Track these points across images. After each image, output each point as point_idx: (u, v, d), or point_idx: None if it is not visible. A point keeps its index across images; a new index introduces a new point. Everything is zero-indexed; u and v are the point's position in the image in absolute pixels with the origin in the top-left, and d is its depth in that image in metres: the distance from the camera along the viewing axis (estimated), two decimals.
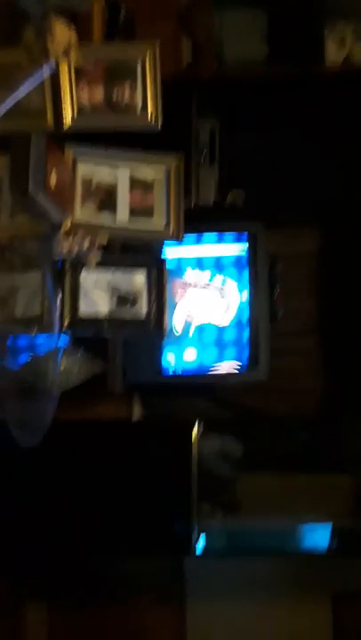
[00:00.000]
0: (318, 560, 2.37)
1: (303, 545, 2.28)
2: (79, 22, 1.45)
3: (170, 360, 2.24)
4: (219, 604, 2.47)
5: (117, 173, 1.56)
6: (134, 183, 1.58)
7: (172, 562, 2.46)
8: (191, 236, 2.14)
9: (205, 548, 2.15)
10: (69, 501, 2.08)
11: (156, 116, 1.51)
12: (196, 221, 2.10)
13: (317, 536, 2.27)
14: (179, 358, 2.24)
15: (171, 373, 2.23)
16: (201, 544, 2.12)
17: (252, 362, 2.23)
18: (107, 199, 1.56)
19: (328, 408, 2.47)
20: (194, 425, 2.14)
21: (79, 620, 2.47)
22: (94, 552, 2.17)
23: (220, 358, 2.25)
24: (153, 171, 1.59)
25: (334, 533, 2.23)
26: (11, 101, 1.35)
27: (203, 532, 2.13)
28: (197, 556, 2.19)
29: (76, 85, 1.44)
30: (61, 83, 1.42)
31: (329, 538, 2.24)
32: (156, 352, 2.18)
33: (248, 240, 2.22)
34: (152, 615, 2.46)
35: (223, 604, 2.47)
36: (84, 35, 1.48)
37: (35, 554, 2.17)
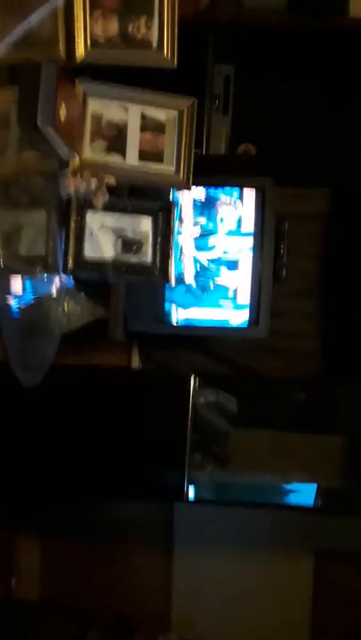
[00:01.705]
0: (304, 516, 2.41)
1: (290, 500, 2.33)
2: None
3: (172, 310, 2.23)
4: (205, 552, 2.53)
5: (129, 112, 1.51)
6: (145, 124, 1.54)
7: (162, 508, 2.51)
8: None
9: (195, 497, 2.19)
10: (66, 442, 2.12)
11: (172, 54, 1.46)
12: (205, 171, 2.08)
13: (304, 493, 2.31)
14: (181, 308, 2.24)
15: (172, 323, 2.23)
16: (191, 492, 2.16)
17: (253, 319, 2.22)
18: (117, 139, 1.52)
19: (325, 371, 2.47)
20: (191, 377, 2.15)
21: (70, 553, 2.55)
22: (88, 492, 2.21)
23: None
24: (165, 113, 1.55)
25: (321, 492, 2.27)
26: (22, 29, 1.30)
27: (193, 480, 2.16)
28: (187, 504, 2.24)
29: (91, 16, 1.39)
30: (75, 12, 1.36)
31: (315, 495, 2.28)
32: (159, 301, 2.17)
33: (257, 196, 2.19)
34: (140, 558, 2.53)
35: (209, 551, 2.53)
36: None
37: (31, 489, 2.21)
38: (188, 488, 2.14)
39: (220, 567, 2.53)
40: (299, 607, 2.50)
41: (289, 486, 2.30)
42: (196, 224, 2.19)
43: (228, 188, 2.18)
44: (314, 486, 2.29)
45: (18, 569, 2.55)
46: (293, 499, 2.32)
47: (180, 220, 2.15)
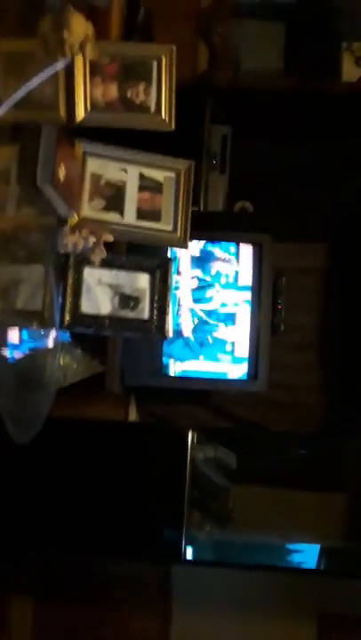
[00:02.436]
0: (306, 578, 2.34)
1: (291, 562, 2.26)
2: (97, 18, 1.45)
3: (170, 363, 2.23)
4: (204, 614, 2.44)
5: (127, 173, 1.55)
6: (144, 184, 1.57)
7: (160, 568, 2.44)
8: None
9: (194, 557, 2.12)
10: (60, 499, 2.07)
11: (170, 118, 1.51)
12: (203, 227, 2.11)
13: (307, 554, 2.24)
14: (178, 362, 2.23)
15: (170, 376, 2.22)
16: (190, 552, 2.09)
17: (252, 373, 2.22)
18: (115, 197, 1.55)
19: (326, 425, 2.44)
20: (189, 432, 2.12)
21: (64, 618, 2.45)
22: (83, 551, 2.15)
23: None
24: (163, 174, 1.58)
25: (324, 553, 2.21)
26: (23, 91, 1.35)
27: (192, 540, 2.10)
28: (185, 564, 2.17)
29: (91, 80, 1.43)
30: (76, 76, 1.41)
31: (318, 556, 2.22)
32: (156, 354, 2.17)
33: (254, 251, 2.22)
34: (137, 620, 2.44)
35: (209, 613, 2.44)
36: (101, 31, 1.48)
37: (24, 550, 2.15)
38: (185, 548, 2.07)
39: (220, 629, 2.44)
40: None
41: (290, 547, 2.24)
42: (193, 277, 2.21)
43: (224, 244, 2.21)
44: (316, 547, 2.23)
45: (9, 630, 2.45)
46: (295, 560, 2.26)
47: (178, 272, 2.18)
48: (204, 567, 2.34)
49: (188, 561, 2.11)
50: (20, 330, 1.65)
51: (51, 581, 2.44)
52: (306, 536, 2.22)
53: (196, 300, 2.22)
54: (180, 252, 2.09)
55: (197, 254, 2.21)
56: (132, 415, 2.34)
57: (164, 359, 2.21)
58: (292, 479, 2.26)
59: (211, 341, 2.23)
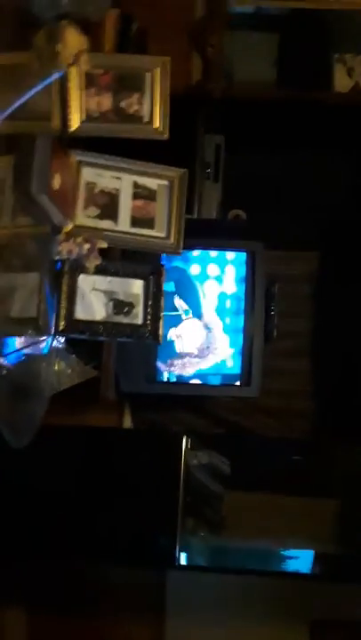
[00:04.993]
0: (299, 584, 2.35)
1: (285, 567, 2.27)
2: (91, 31, 1.48)
3: (164, 370, 2.24)
4: (197, 619, 2.45)
5: (121, 181, 1.57)
6: (138, 192, 1.60)
7: (154, 574, 2.44)
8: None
9: (188, 563, 2.13)
10: (54, 506, 2.07)
11: (164, 127, 1.54)
12: (197, 235, 2.14)
13: (300, 559, 2.25)
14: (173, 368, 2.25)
15: (164, 381, 2.24)
16: (183, 558, 2.10)
17: (245, 379, 2.23)
18: (109, 206, 1.58)
19: (319, 432, 2.46)
20: (184, 438, 2.13)
21: (58, 627, 2.45)
22: (76, 559, 2.15)
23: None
24: (157, 182, 1.61)
25: (317, 558, 2.22)
26: (18, 102, 1.37)
27: (186, 546, 2.11)
28: (179, 570, 2.18)
29: (85, 91, 1.46)
30: (70, 87, 1.44)
31: (311, 562, 2.23)
32: (151, 361, 2.19)
33: (247, 259, 2.24)
34: (131, 627, 2.44)
35: (202, 619, 2.45)
36: (95, 44, 1.51)
37: (17, 558, 2.15)
38: (179, 554, 2.08)
39: (213, 634, 2.44)
40: None
41: (284, 552, 2.25)
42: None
43: (218, 257, 2.23)
44: (309, 552, 2.24)
45: None
46: (288, 565, 2.26)
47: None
48: (198, 573, 2.34)
49: (182, 566, 2.12)
50: (15, 337, 1.67)
51: (44, 590, 2.44)
52: (299, 542, 2.23)
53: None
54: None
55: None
56: (127, 422, 2.35)
57: (158, 364, 2.23)
58: (286, 485, 2.27)
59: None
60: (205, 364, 2.25)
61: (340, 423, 2.41)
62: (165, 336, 2.09)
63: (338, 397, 2.46)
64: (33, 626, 2.45)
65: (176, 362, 2.23)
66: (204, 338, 2.25)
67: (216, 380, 2.28)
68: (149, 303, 1.58)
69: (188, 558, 2.14)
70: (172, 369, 2.24)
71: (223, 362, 2.26)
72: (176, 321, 2.22)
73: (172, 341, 2.21)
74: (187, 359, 2.24)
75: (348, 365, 2.45)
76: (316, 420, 2.48)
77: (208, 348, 2.25)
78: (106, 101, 1.48)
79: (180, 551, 2.08)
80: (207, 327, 2.25)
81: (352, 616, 2.40)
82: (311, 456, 2.33)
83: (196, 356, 2.25)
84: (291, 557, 2.25)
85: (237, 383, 2.27)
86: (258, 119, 2.36)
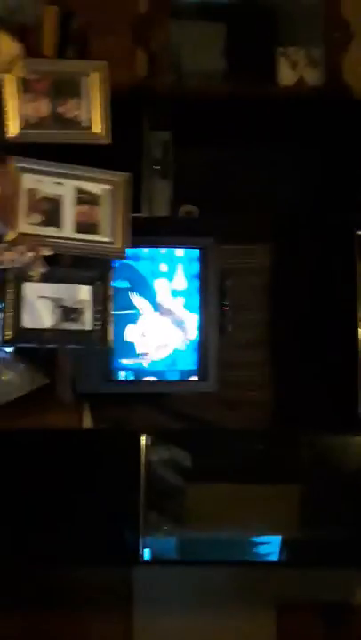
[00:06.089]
0: (264, 570, 2.40)
1: (250, 556, 2.31)
2: (27, 35, 1.45)
3: (120, 368, 2.25)
4: (165, 611, 2.48)
5: (63, 187, 1.56)
6: (81, 198, 1.59)
7: (120, 570, 2.46)
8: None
9: (153, 557, 2.16)
10: (17, 508, 2.07)
11: (106, 131, 1.53)
12: (148, 233, 2.13)
13: (266, 546, 2.29)
14: (129, 366, 2.26)
15: (120, 380, 2.24)
16: (148, 553, 2.13)
17: (202, 374, 2.25)
18: (52, 212, 1.56)
19: (279, 419, 2.50)
20: (143, 434, 2.15)
21: (25, 623, 2.45)
22: (41, 560, 2.16)
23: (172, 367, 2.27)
24: (100, 187, 1.60)
25: (281, 544, 2.26)
26: None
27: (150, 540, 2.13)
28: (145, 565, 2.20)
29: (22, 97, 1.44)
30: (6, 94, 1.42)
31: (275, 549, 2.27)
32: (106, 360, 2.19)
33: (199, 255, 2.25)
34: (99, 623, 2.46)
35: (170, 610, 2.48)
36: (33, 46, 1.49)
37: None
38: (143, 549, 2.11)
39: (182, 626, 2.48)
40: None
41: (248, 541, 2.29)
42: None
43: (168, 254, 2.23)
44: (274, 539, 2.29)
45: None
46: (253, 553, 2.31)
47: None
48: (163, 567, 2.37)
49: (147, 562, 2.14)
50: None
51: (9, 590, 2.44)
52: (263, 529, 2.27)
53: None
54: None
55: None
56: (87, 421, 2.35)
57: (114, 363, 2.23)
58: (248, 474, 2.31)
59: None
60: (162, 358, 2.26)
61: (298, 411, 2.46)
62: (123, 335, 2.09)
63: (295, 386, 2.50)
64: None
65: (135, 359, 2.24)
66: (162, 334, 2.26)
67: (173, 377, 2.29)
68: (98, 308, 1.57)
69: (153, 553, 2.17)
70: (131, 365, 2.24)
71: (180, 357, 2.28)
72: (134, 318, 2.22)
73: (129, 340, 2.22)
74: (146, 355, 2.25)
75: (304, 354, 2.49)
76: (276, 410, 2.52)
77: (165, 344, 2.26)
78: (43, 107, 1.46)
79: (143, 547, 2.10)
80: (164, 323, 2.26)
81: (317, 599, 2.47)
82: (272, 445, 2.36)
83: (154, 352, 2.26)
84: (255, 545, 2.29)
85: (194, 378, 2.28)
86: (205, 114, 2.36)
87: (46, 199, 1.55)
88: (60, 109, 1.46)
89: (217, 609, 2.47)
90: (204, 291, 2.25)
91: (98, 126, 1.48)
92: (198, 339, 2.27)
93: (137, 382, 2.25)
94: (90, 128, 1.49)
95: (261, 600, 2.47)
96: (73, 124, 1.48)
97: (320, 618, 2.47)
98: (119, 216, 1.58)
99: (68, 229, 1.55)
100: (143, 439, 2.15)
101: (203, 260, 2.25)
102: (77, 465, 2.15)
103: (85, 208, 1.57)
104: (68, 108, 1.45)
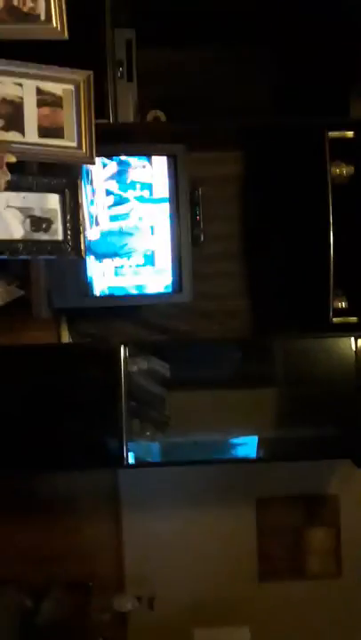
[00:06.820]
0: (244, 467, 2.52)
1: (230, 454, 2.41)
2: None
3: (96, 281, 2.24)
4: (152, 512, 2.61)
5: (23, 88, 1.48)
6: (42, 100, 1.51)
7: (107, 475, 2.56)
8: None
9: (136, 461, 2.25)
10: (4, 422, 2.11)
11: (62, 26, 1.44)
12: (115, 140, 2.06)
13: (243, 446, 2.39)
14: (105, 279, 2.25)
15: (96, 295, 2.24)
16: (132, 457, 2.21)
17: (177, 285, 2.26)
18: (14, 116, 1.49)
19: (254, 327, 2.55)
20: (121, 346, 2.18)
21: (18, 529, 2.55)
22: (30, 467, 2.23)
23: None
24: (61, 87, 1.52)
25: (259, 443, 2.36)
26: None
27: (134, 445, 2.21)
28: (129, 468, 2.29)
29: None
30: None
31: (254, 447, 2.37)
32: (81, 274, 2.17)
33: (168, 162, 2.19)
34: (89, 525, 2.58)
35: (156, 511, 2.61)
36: None
37: None
38: (127, 454, 2.19)
39: (168, 525, 2.62)
40: (246, 553, 2.63)
41: (228, 442, 2.38)
42: (108, 193, 2.18)
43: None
44: (251, 439, 2.38)
45: None
46: (232, 453, 2.41)
47: (93, 190, 2.14)
48: (147, 469, 2.47)
49: (131, 464, 2.23)
50: None
51: (4, 501, 2.53)
52: (242, 430, 2.36)
53: (113, 217, 2.21)
54: (93, 168, 2.05)
55: (112, 168, 2.17)
56: (65, 337, 2.37)
57: (89, 277, 2.22)
58: (226, 381, 2.37)
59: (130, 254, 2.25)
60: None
61: (273, 319, 2.50)
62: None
63: (269, 294, 2.53)
64: None
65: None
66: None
67: (148, 289, 2.29)
68: (68, 218, 1.54)
69: (137, 457, 2.26)
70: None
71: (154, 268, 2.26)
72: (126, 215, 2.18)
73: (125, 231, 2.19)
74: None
75: (276, 263, 2.51)
76: (250, 318, 2.56)
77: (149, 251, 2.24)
78: None
79: (127, 451, 2.18)
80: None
81: (291, 492, 2.62)
82: (248, 352, 2.42)
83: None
84: (235, 445, 2.39)
85: (169, 290, 2.29)
86: (170, 9, 2.22)
87: (5, 101, 1.47)
88: (16, 1, 1.36)
89: (200, 506, 2.61)
90: (175, 200, 2.21)
91: (55, 20, 1.39)
92: (171, 249, 2.25)
93: (113, 296, 2.26)
94: (48, 22, 1.40)
95: (241, 496, 2.62)
96: (30, 18, 1.38)
97: (293, 508, 2.64)
98: (84, 119, 1.52)
99: (31, 134, 1.49)
100: (122, 351, 2.18)
101: (173, 168, 2.20)
102: (60, 378, 2.18)
103: (48, 110, 1.50)
104: (24, 1, 1.35)
